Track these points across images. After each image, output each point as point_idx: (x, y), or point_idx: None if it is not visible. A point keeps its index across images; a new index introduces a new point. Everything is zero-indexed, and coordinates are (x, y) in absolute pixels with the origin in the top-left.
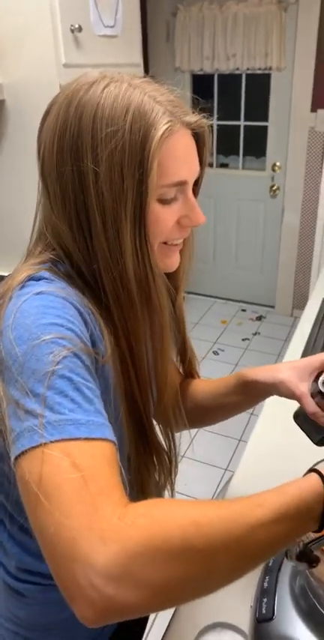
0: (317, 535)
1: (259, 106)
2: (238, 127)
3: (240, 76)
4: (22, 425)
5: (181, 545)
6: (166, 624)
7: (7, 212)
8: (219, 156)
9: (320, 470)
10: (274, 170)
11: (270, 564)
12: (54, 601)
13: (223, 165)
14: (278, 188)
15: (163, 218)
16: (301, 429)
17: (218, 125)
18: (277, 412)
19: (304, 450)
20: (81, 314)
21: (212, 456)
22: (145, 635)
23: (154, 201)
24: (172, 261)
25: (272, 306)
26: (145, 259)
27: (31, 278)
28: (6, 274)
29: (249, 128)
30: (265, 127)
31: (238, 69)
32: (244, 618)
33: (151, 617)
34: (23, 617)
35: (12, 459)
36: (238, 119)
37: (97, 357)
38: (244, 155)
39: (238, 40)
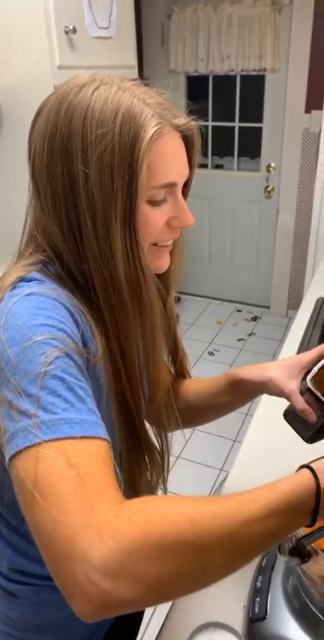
0: (309, 530)
1: (253, 108)
2: (233, 128)
3: (234, 77)
4: (16, 425)
5: (176, 541)
6: (161, 624)
7: (4, 213)
8: (214, 157)
9: (312, 466)
10: (268, 171)
11: (263, 564)
12: (47, 601)
13: (218, 167)
14: (273, 189)
15: (153, 219)
16: (291, 426)
17: (213, 126)
18: (271, 412)
19: (299, 450)
20: (72, 314)
21: (207, 457)
22: (139, 635)
23: (144, 202)
24: (163, 262)
25: (267, 307)
26: (136, 260)
27: (21, 279)
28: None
29: (244, 129)
30: (260, 128)
31: (232, 70)
32: (237, 618)
33: (147, 616)
34: (16, 618)
35: (6, 458)
36: (233, 120)
37: (88, 357)
38: (238, 156)
39: (233, 41)
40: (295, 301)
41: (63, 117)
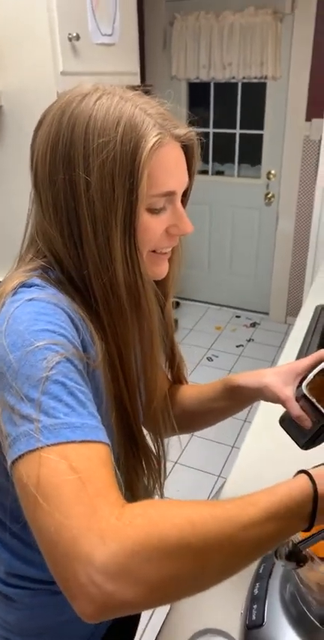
0: (306, 535)
1: (254, 115)
2: (234, 135)
3: (236, 84)
4: (18, 430)
5: (177, 544)
6: (158, 630)
7: (6, 218)
8: (214, 163)
9: (309, 471)
10: (269, 178)
11: (260, 571)
12: (43, 605)
13: (219, 173)
14: (273, 196)
15: (152, 227)
16: (287, 432)
17: (214, 133)
18: (269, 419)
19: (297, 457)
20: (72, 320)
21: (205, 463)
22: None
23: (144, 210)
24: (161, 269)
25: (266, 313)
26: (135, 266)
27: (23, 285)
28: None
29: (244, 136)
30: (261, 136)
31: (234, 78)
32: (234, 624)
33: (144, 621)
34: (13, 622)
35: (9, 462)
36: (234, 127)
37: (88, 362)
38: (239, 163)
39: (234, 49)
40: (294, 308)
41: (65, 125)
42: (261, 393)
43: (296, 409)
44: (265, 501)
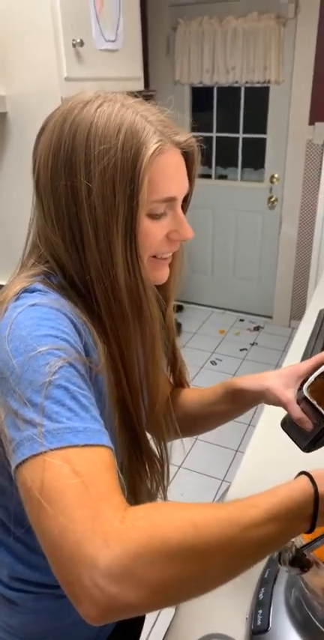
0: (309, 539)
1: (257, 119)
2: (237, 139)
3: (239, 88)
4: (21, 434)
5: (179, 546)
6: (162, 635)
7: (11, 223)
8: (218, 167)
9: (310, 472)
10: (272, 182)
11: (265, 576)
12: (47, 609)
13: (222, 177)
14: (276, 199)
15: (153, 232)
16: (289, 435)
17: (217, 137)
18: (274, 423)
19: (301, 461)
20: (74, 324)
21: (209, 467)
22: None
23: (144, 216)
24: (162, 274)
25: (270, 317)
26: (136, 271)
27: (25, 290)
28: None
29: (247, 140)
30: (264, 140)
31: (237, 82)
32: (239, 630)
33: (148, 625)
34: (16, 626)
35: (13, 467)
36: (237, 131)
37: (91, 366)
38: (242, 167)
39: (238, 53)
40: (297, 311)
41: (67, 132)
42: (262, 396)
43: (297, 411)
44: (266, 503)
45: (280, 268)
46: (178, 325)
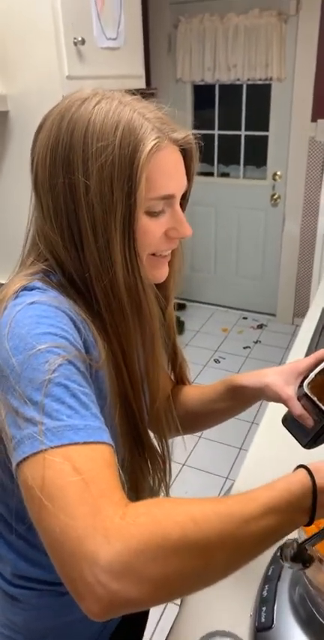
0: (309, 534)
1: (259, 116)
2: (239, 136)
3: (241, 86)
4: (22, 432)
5: (180, 541)
6: (166, 632)
7: (13, 221)
8: (220, 165)
9: (308, 465)
10: (274, 179)
11: (269, 573)
12: (49, 606)
13: (224, 175)
14: (279, 197)
15: (151, 230)
16: (290, 432)
17: (219, 135)
18: (277, 421)
19: (304, 458)
20: (74, 322)
21: (213, 465)
22: None
23: (143, 213)
24: (161, 273)
25: (273, 314)
26: (135, 269)
27: (24, 288)
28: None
29: (250, 138)
30: (266, 137)
31: (238, 79)
32: (243, 627)
33: (152, 623)
34: (19, 623)
35: (13, 465)
36: (239, 129)
37: (91, 364)
38: (244, 164)
39: (239, 51)
40: (301, 309)
41: (65, 129)
42: (263, 393)
43: (298, 408)
44: (264, 496)
45: (283, 266)
46: (181, 323)
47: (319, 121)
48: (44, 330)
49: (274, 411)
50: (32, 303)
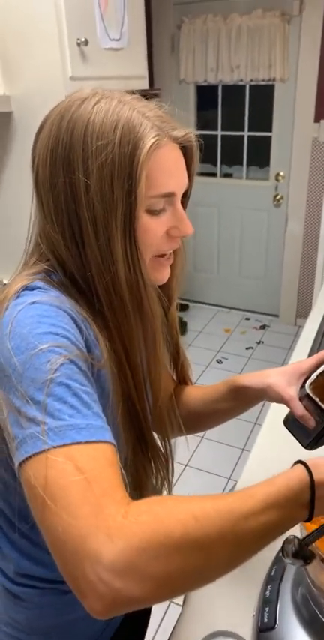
0: (310, 530)
1: (262, 117)
2: (242, 137)
3: (244, 87)
4: (24, 432)
5: (182, 539)
6: (169, 632)
7: (17, 221)
8: (223, 166)
9: (306, 461)
10: (277, 180)
11: (272, 573)
12: (52, 604)
13: (227, 175)
14: (282, 197)
15: (152, 228)
16: (292, 433)
17: (222, 135)
18: (280, 422)
19: (307, 459)
20: (75, 321)
21: (216, 466)
22: None
23: (143, 211)
24: (162, 275)
25: (276, 315)
26: (136, 267)
27: (25, 288)
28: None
29: (253, 138)
30: (269, 138)
31: (242, 80)
32: (246, 627)
33: (155, 622)
34: (22, 621)
35: (16, 464)
36: (242, 130)
37: (93, 363)
38: (247, 165)
39: (242, 51)
40: (304, 310)
41: (65, 129)
42: (265, 394)
43: (300, 409)
44: (263, 492)
45: (286, 266)
46: (184, 324)
47: (322, 121)
48: (46, 330)
49: (277, 412)
50: (33, 302)
